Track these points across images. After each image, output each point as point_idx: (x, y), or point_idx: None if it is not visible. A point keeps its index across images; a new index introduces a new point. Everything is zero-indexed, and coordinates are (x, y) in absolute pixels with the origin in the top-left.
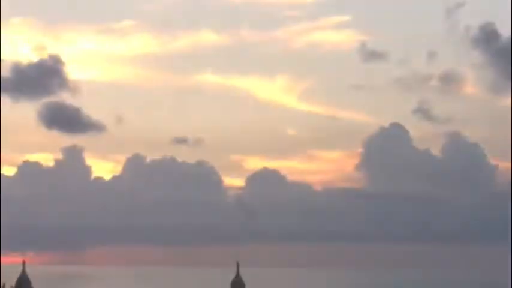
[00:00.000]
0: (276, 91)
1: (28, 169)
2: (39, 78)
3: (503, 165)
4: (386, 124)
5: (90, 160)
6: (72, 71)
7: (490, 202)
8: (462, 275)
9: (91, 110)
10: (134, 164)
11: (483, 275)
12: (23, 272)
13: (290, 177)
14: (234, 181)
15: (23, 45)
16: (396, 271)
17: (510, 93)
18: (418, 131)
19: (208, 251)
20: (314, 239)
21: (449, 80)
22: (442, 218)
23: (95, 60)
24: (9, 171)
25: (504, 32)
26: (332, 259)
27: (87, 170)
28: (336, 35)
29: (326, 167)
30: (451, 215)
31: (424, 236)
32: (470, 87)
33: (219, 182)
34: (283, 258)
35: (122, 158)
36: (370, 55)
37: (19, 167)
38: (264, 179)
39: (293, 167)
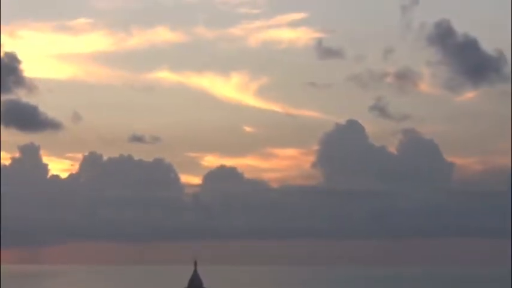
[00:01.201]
0: (231, 89)
1: None
2: None
3: (459, 161)
4: (343, 121)
5: (46, 158)
6: (28, 69)
7: (445, 198)
8: (416, 269)
9: (48, 108)
10: (91, 162)
11: (436, 269)
12: None
13: (247, 175)
14: (191, 179)
15: None
16: (350, 267)
17: (465, 90)
18: (374, 128)
19: (166, 248)
20: (271, 235)
21: (405, 77)
22: (397, 214)
23: (51, 58)
24: None
25: (459, 28)
26: (289, 255)
27: (43, 168)
28: (291, 33)
29: (282, 165)
30: (406, 211)
31: (379, 232)
32: (426, 85)
33: (176, 179)
34: (240, 255)
35: (79, 156)
36: (326, 52)
37: None
38: (221, 176)
39: (250, 165)
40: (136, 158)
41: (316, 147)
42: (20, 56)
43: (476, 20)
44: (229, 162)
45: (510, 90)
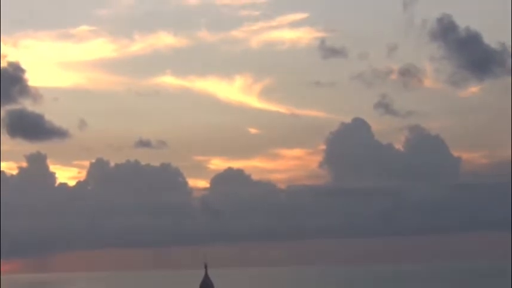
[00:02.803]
0: (235, 91)
1: None
2: (0, 87)
3: (466, 156)
4: (348, 120)
5: (54, 167)
6: (32, 78)
7: (453, 193)
8: (426, 265)
9: (53, 116)
10: (98, 168)
11: (446, 264)
12: None
13: (254, 177)
14: (198, 182)
15: None
16: (360, 265)
17: (469, 84)
18: (380, 125)
19: (176, 253)
20: (280, 237)
21: (409, 74)
22: (405, 211)
23: (55, 66)
24: None
25: (461, 23)
26: (298, 256)
27: (51, 176)
28: (293, 33)
29: (289, 165)
30: (414, 208)
31: (388, 230)
32: (430, 80)
33: (184, 183)
34: (251, 258)
35: (86, 164)
36: (329, 52)
37: None
38: (228, 179)
39: (257, 166)
40: (143, 163)
41: (322, 146)
42: (23, 65)
43: (478, 13)
44: (236, 164)
45: None
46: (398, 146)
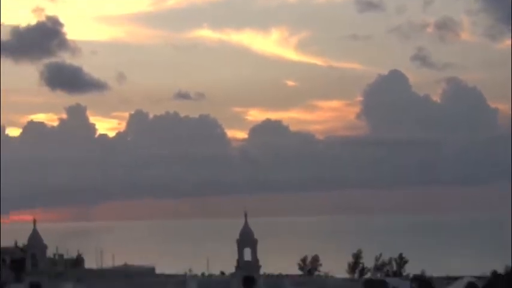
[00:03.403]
0: (272, 44)
1: (33, 129)
2: (39, 40)
3: (502, 107)
4: (385, 72)
5: (93, 118)
6: (70, 32)
7: (490, 144)
8: (461, 215)
9: (92, 69)
10: (137, 120)
11: (485, 215)
12: (34, 229)
13: (292, 128)
14: (236, 133)
15: (21, 9)
16: (396, 214)
17: (506, 37)
18: (417, 77)
19: (215, 202)
20: (318, 187)
21: (446, 27)
22: (443, 161)
23: (93, 20)
24: (14, 132)
25: None
26: (335, 205)
27: (91, 128)
28: None
29: (327, 116)
30: (451, 158)
31: (425, 179)
32: (467, 33)
33: (222, 134)
34: (288, 207)
35: (125, 115)
36: (366, 5)
37: (24, 128)
38: (266, 130)
39: (294, 118)
40: (182, 114)
41: (359, 98)
42: (62, 19)
43: None
44: (274, 115)
45: None
46: (436, 97)
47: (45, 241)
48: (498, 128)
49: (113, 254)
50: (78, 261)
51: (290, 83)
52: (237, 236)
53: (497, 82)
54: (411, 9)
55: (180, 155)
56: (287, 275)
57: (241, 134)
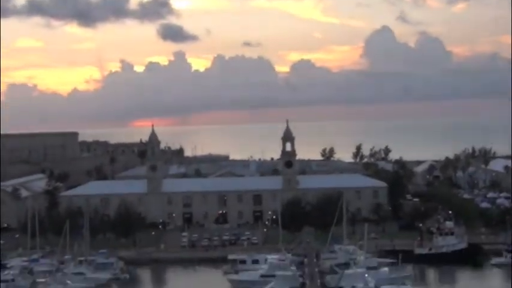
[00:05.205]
0: (305, 8)
1: (151, 67)
2: (156, 9)
3: (456, 50)
4: (379, 27)
5: (190, 59)
6: (174, 2)
7: (445, 76)
8: (437, 122)
9: (188, 26)
10: (218, 60)
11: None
12: (152, 131)
13: (317, 64)
14: (281, 68)
15: None
16: (388, 121)
17: (461, 2)
18: (399, 31)
19: (268, 113)
20: (334, 102)
21: None
22: (415, 87)
23: None
24: (139, 69)
25: None
26: (347, 115)
27: (189, 65)
28: None
29: (340, 56)
30: (420, 86)
31: (403, 98)
32: (433, 0)
33: (273, 69)
34: (315, 116)
35: (210, 57)
36: None
37: (146, 66)
38: (301, 66)
39: (319, 57)
40: (246, 56)
41: (362, 44)
42: None
43: None
44: (306, 56)
45: None
46: (411, 44)
47: (159, 138)
48: (452, 64)
49: (202, 146)
50: (180, 151)
51: (317, 35)
52: (282, 135)
53: (453, 33)
54: None
55: (246, 83)
56: (313, 160)
57: (285, 69)
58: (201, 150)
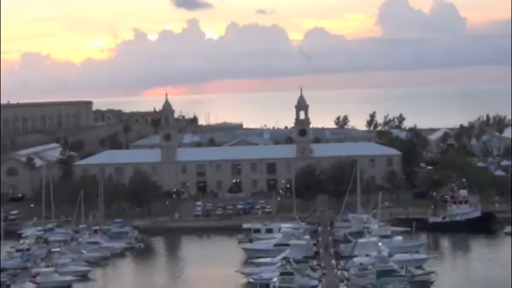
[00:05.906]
0: None
1: (165, 35)
2: None
3: (469, 17)
4: None
5: (203, 27)
6: None
7: (460, 41)
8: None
9: None
10: (232, 28)
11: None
12: (166, 100)
13: (332, 32)
14: (296, 36)
15: None
16: (398, 88)
17: None
18: None
19: (281, 81)
20: (349, 70)
21: None
22: (430, 53)
23: None
24: (152, 37)
25: None
26: (360, 83)
27: (203, 34)
28: None
29: (354, 24)
30: (434, 53)
31: (417, 65)
32: None
33: (286, 37)
34: (329, 84)
35: (224, 25)
36: None
37: (159, 34)
38: (315, 34)
39: (333, 26)
40: (260, 24)
41: (376, 12)
42: None
43: None
44: (319, 24)
45: None
46: (426, 11)
47: (173, 107)
48: (466, 30)
49: (216, 115)
50: (194, 120)
51: (331, 2)
52: (295, 103)
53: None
54: None
55: (259, 51)
56: (327, 128)
57: (299, 36)
58: (215, 119)
